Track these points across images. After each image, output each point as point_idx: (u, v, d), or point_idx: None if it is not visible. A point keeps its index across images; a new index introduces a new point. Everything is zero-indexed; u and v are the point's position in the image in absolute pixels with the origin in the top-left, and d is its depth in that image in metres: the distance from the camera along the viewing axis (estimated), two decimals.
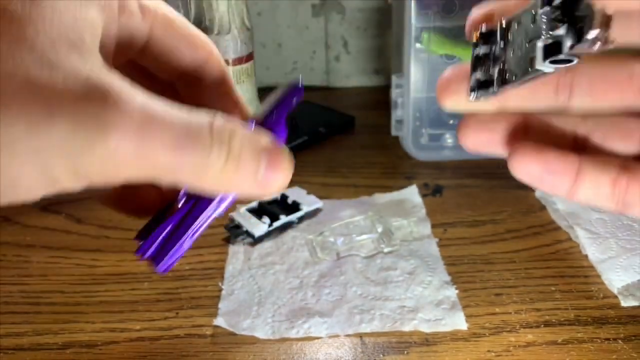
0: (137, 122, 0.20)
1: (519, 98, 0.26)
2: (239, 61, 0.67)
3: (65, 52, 0.20)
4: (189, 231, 0.27)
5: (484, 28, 0.23)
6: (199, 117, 0.22)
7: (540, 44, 0.18)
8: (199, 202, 0.27)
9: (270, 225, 0.55)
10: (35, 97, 0.19)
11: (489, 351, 0.42)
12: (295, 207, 0.58)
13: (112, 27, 0.25)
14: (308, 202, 0.59)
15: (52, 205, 0.63)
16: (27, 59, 0.19)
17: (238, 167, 0.23)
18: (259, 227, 0.55)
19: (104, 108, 0.19)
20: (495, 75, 0.22)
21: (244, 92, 0.68)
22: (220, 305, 0.47)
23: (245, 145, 0.23)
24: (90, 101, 0.19)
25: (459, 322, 0.45)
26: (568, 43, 0.17)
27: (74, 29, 0.21)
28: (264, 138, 0.25)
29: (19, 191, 0.20)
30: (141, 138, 0.20)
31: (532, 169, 0.24)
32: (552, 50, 0.17)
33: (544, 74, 0.19)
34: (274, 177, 0.25)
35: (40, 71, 0.19)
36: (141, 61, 0.30)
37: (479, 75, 0.24)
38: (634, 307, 0.46)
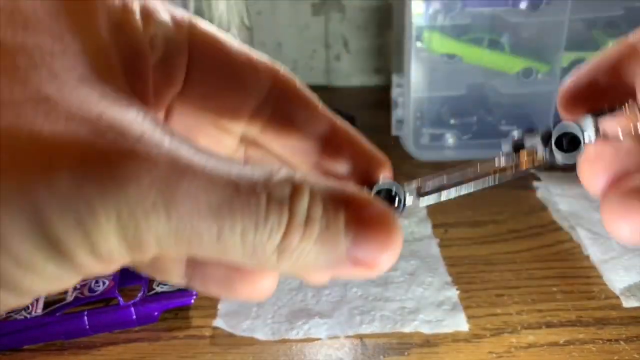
0: (163, 176, 0.15)
1: None
2: None
3: (70, 85, 0.16)
4: None
5: None
6: (252, 172, 0.16)
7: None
8: None
9: None
10: (30, 145, 0.14)
11: (490, 352, 0.42)
12: None
13: (136, 43, 0.19)
14: None
15: None
16: (18, 95, 0.15)
17: (309, 238, 0.16)
18: None
19: (119, 158, 0.15)
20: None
21: None
22: (220, 306, 0.47)
23: (316, 207, 0.16)
24: (101, 149, 0.15)
25: (460, 323, 0.44)
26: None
27: (80, 54, 0.17)
28: (345, 189, 0.17)
29: (20, 277, 0.15)
30: (169, 197, 0.15)
31: None
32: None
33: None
34: (371, 252, 0.17)
35: (34, 111, 0.15)
36: (189, 98, 0.22)
37: None
38: (635, 308, 0.45)
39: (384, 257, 0.17)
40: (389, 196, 0.21)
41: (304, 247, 0.17)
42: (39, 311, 0.44)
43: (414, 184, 0.21)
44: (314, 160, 0.23)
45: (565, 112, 0.23)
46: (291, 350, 0.43)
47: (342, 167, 0.23)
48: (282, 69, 0.23)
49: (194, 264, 0.22)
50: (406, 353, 0.42)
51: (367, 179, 0.23)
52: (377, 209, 0.17)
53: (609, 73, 0.22)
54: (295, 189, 0.16)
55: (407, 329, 0.44)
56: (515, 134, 0.22)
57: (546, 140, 0.21)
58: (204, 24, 0.22)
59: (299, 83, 0.23)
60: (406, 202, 0.21)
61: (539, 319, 0.45)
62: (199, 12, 0.65)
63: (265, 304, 0.47)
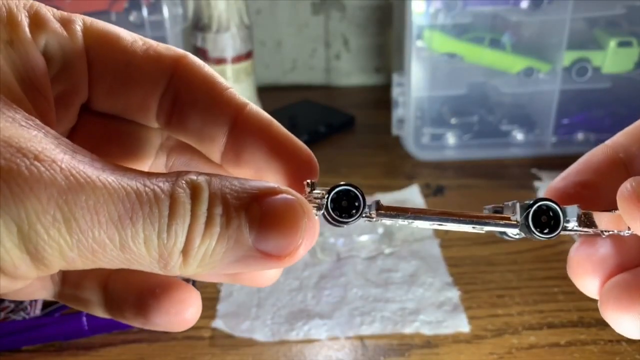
0: (61, 191, 0.15)
1: None
2: (237, 59, 0.66)
3: None
4: None
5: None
6: (156, 181, 0.17)
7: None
8: None
9: None
10: None
11: (491, 353, 0.42)
12: None
13: (28, 56, 0.19)
14: None
15: None
16: None
17: (211, 237, 0.17)
18: None
19: (17, 174, 0.15)
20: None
21: (243, 90, 0.68)
22: (219, 307, 0.47)
23: (216, 206, 0.17)
24: None
25: (460, 324, 0.44)
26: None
27: None
28: (250, 185, 0.18)
29: None
30: (67, 211, 0.15)
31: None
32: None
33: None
34: (277, 245, 0.17)
35: None
36: (96, 102, 0.22)
37: None
38: None
39: (291, 248, 0.18)
40: (348, 198, 0.20)
41: (207, 247, 0.17)
42: (38, 312, 0.44)
43: (374, 199, 0.21)
44: (220, 147, 0.22)
45: None
46: (291, 352, 0.42)
47: (251, 152, 0.22)
48: (188, 56, 0.22)
49: (110, 294, 0.22)
50: (407, 354, 0.42)
51: (285, 165, 0.22)
52: (281, 200, 0.18)
53: (593, 175, 0.23)
54: (195, 190, 0.17)
55: (407, 330, 0.44)
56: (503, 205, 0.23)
57: (525, 209, 0.21)
58: (98, 23, 0.22)
59: (207, 68, 0.23)
60: (364, 209, 0.20)
61: (540, 320, 0.45)
62: (197, 10, 0.65)
63: (265, 305, 0.47)
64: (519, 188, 0.63)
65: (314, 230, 0.18)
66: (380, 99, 0.87)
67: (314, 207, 0.20)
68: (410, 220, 0.21)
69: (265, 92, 0.82)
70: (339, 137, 0.78)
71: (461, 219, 0.21)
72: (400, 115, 0.72)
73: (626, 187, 0.19)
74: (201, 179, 0.17)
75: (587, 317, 0.45)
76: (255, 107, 0.23)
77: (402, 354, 0.42)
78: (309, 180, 0.21)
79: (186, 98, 0.22)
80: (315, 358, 0.42)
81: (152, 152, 0.24)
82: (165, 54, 0.22)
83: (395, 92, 0.71)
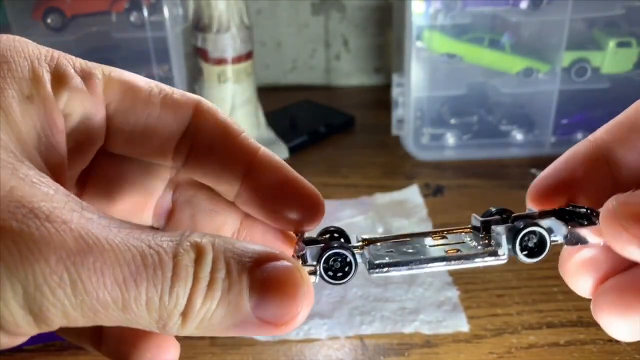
0: (70, 253, 0.16)
1: None
2: (238, 60, 0.66)
3: None
4: None
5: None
6: (160, 242, 0.17)
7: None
8: None
9: None
10: None
11: (490, 353, 0.42)
12: None
13: (49, 116, 0.19)
14: None
15: None
16: None
17: (212, 300, 0.17)
18: None
19: (28, 236, 0.15)
20: None
21: (243, 91, 0.68)
22: None
23: (219, 270, 0.17)
24: (10, 228, 0.15)
25: (460, 323, 0.44)
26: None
27: None
28: (252, 249, 0.18)
29: None
30: (74, 273, 0.16)
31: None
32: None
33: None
34: (275, 313, 0.18)
35: None
36: (114, 147, 0.23)
37: None
38: None
39: (288, 317, 0.18)
40: (339, 258, 0.21)
41: (207, 310, 0.17)
42: None
43: (366, 254, 0.22)
44: (236, 187, 0.23)
45: (536, 206, 0.24)
46: (291, 351, 0.42)
47: (264, 193, 0.23)
48: (204, 101, 0.23)
49: (99, 331, 0.22)
50: (406, 354, 0.42)
51: (295, 204, 0.23)
52: (281, 267, 0.18)
53: (575, 173, 0.23)
54: (199, 253, 0.17)
55: (407, 330, 0.44)
56: (493, 209, 0.23)
57: (513, 235, 0.21)
58: (117, 73, 0.22)
59: (221, 114, 0.24)
60: (354, 271, 0.21)
61: (539, 319, 0.45)
62: (198, 10, 0.65)
63: None
64: (519, 188, 0.63)
65: (311, 298, 0.18)
66: (380, 99, 0.88)
67: (308, 272, 0.21)
68: (405, 272, 0.21)
69: (265, 92, 0.82)
70: (339, 137, 0.78)
71: (452, 262, 0.22)
72: (400, 115, 0.72)
73: (607, 207, 0.19)
74: (205, 240, 0.18)
75: (586, 316, 0.45)
76: (266, 150, 0.24)
77: (402, 354, 0.42)
78: (299, 234, 0.22)
79: (203, 143, 0.23)
80: (315, 357, 0.42)
81: (161, 187, 0.25)
82: (181, 102, 0.23)
83: (395, 92, 0.71)
